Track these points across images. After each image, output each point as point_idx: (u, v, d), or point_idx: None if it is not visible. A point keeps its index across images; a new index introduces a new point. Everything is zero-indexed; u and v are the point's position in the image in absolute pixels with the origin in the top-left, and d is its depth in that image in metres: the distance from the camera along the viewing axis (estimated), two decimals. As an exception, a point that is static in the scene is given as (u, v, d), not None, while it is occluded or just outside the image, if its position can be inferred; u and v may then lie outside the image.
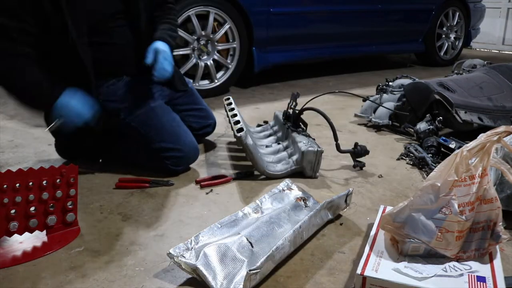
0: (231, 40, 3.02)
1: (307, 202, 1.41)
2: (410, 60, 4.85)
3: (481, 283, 0.97)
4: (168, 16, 1.79)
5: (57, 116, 1.47)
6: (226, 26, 2.94)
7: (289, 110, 1.91)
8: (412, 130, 2.13)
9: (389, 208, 1.20)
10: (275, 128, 2.05)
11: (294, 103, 1.88)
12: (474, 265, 1.04)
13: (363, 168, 1.77)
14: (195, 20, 2.82)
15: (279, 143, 1.88)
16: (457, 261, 1.06)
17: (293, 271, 1.10)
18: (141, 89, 1.72)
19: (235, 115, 1.75)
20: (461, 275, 1.01)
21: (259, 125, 2.20)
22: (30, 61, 1.45)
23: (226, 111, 1.90)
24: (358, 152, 1.77)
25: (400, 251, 1.08)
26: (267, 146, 1.87)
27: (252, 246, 1.13)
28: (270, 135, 2.01)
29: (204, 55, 2.94)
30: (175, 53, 2.70)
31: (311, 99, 1.88)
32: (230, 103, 1.92)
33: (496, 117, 2.14)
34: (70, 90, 1.49)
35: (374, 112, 2.38)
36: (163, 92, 1.80)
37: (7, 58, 1.43)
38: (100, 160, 1.73)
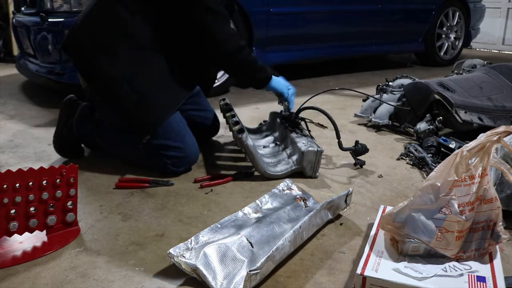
0: (231, 40, 3.02)
1: (307, 202, 1.41)
2: (410, 60, 4.85)
3: (481, 283, 0.97)
4: None
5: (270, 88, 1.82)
6: (226, 26, 2.94)
7: (285, 110, 1.91)
8: (412, 130, 2.13)
9: (389, 208, 1.20)
10: (272, 128, 2.05)
11: (285, 107, 1.90)
12: (474, 265, 1.04)
13: (363, 168, 1.78)
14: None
15: (276, 144, 1.88)
16: (457, 261, 1.06)
17: (293, 271, 1.10)
18: None
19: (233, 115, 1.75)
20: (461, 275, 1.01)
21: (260, 124, 2.20)
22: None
23: (222, 111, 1.91)
24: (359, 150, 1.77)
25: (400, 251, 1.08)
26: (264, 147, 1.87)
27: (252, 246, 1.13)
28: (267, 136, 2.00)
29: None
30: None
31: (309, 98, 1.88)
32: (227, 104, 1.92)
33: (496, 117, 2.14)
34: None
35: (374, 112, 2.38)
36: None
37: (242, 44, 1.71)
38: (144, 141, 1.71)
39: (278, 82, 1.82)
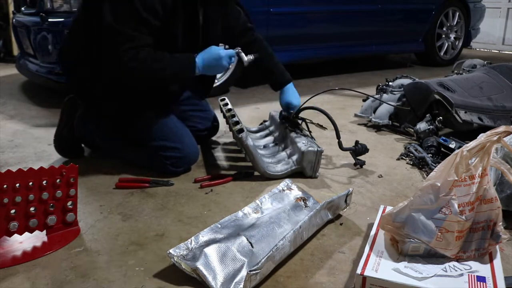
0: (231, 40, 3.02)
1: (307, 202, 1.41)
2: (410, 60, 4.85)
3: (481, 283, 0.97)
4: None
5: (204, 70, 1.61)
6: (226, 26, 2.94)
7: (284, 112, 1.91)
8: (412, 130, 2.13)
9: (389, 208, 1.20)
10: (272, 128, 2.05)
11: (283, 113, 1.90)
12: (474, 265, 1.04)
13: (363, 168, 1.78)
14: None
15: (276, 144, 1.88)
16: (457, 261, 1.06)
17: (293, 271, 1.10)
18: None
19: (233, 115, 1.75)
20: (461, 275, 1.01)
21: (260, 124, 2.20)
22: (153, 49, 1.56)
23: (222, 111, 1.91)
24: (359, 150, 1.77)
25: (400, 251, 1.08)
26: (264, 147, 1.87)
27: (252, 246, 1.13)
28: (267, 136, 2.00)
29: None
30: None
31: (309, 98, 1.88)
32: (227, 104, 1.92)
33: (496, 117, 2.14)
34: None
35: (374, 112, 2.38)
36: None
37: (145, 50, 1.51)
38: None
39: (207, 61, 1.60)
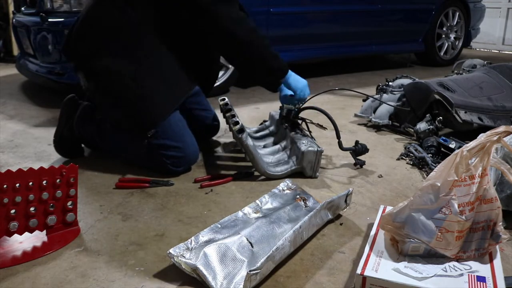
0: (231, 40, 3.01)
1: (307, 202, 1.41)
2: (410, 60, 4.85)
3: (481, 283, 0.97)
4: None
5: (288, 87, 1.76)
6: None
7: (284, 111, 1.90)
8: (412, 130, 2.14)
9: (389, 208, 1.20)
10: (272, 128, 2.05)
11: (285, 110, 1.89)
12: (474, 265, 1.05)
13: (363, 168, 1.78)
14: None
15: (277, 144, 1.88)
16: (457, 261, 1.06)
17: (293, 271, 1.10)
18: None
19: (233, 115, 1.75)
20: (461, 275, 1.01)
21: (260, 124, 2.20)
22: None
23: (222, 111, 1.91)
24: (359, 150, 1.77)
25: (400, 251, 1.08)
26: (264, 147, 1.86)
27: (252, 246, 1.13)
28: (266, 136, 2.00)
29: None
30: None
31: (309, 98, 1.87)
32: (227, 104, 1.92)
33: (496, 117, 2.14)
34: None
35: (374, 112, 2.38)
36: None
37: (253, 25, 1.70)
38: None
39: (296, 79, 1.77)
